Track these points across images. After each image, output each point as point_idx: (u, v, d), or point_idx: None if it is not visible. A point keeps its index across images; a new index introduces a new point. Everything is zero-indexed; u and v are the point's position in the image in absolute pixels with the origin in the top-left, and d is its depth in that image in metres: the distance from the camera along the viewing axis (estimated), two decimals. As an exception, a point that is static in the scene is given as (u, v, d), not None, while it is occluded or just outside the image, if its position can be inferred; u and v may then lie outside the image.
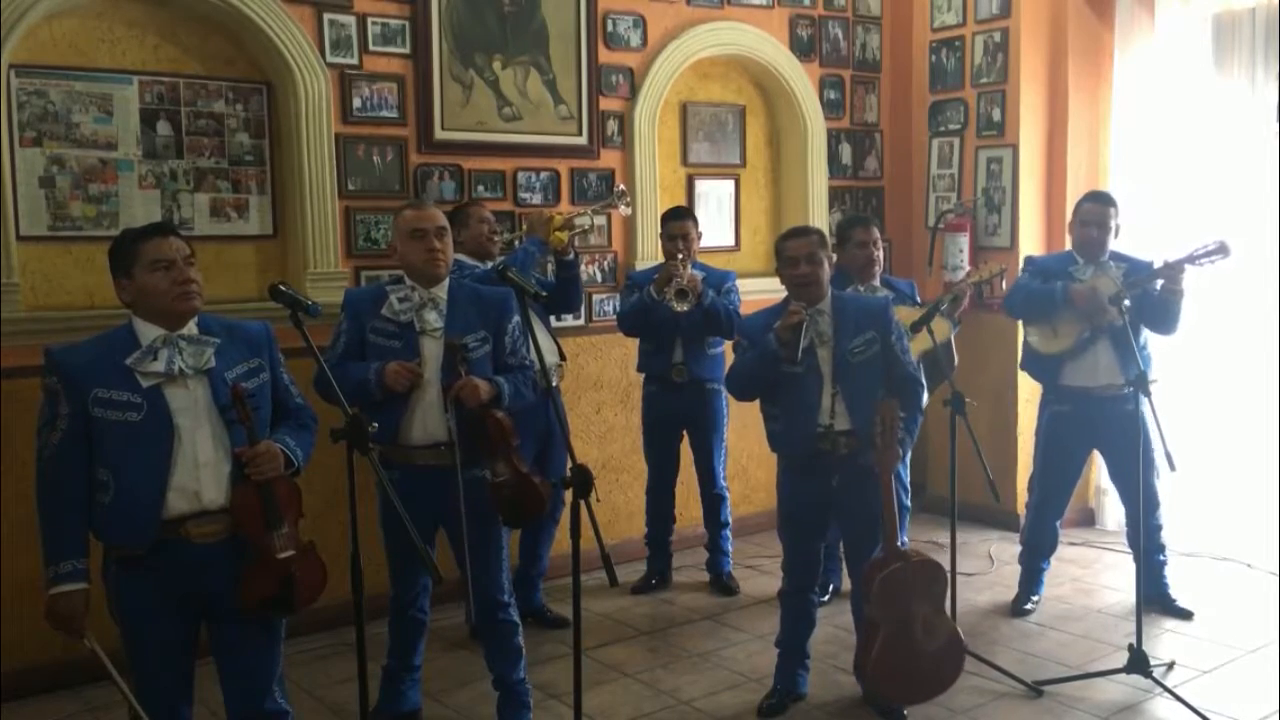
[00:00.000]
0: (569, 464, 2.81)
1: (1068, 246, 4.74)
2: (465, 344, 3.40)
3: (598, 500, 2.81)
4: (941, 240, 6.07)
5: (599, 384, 5.37)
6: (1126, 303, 4.06)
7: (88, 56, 4.13)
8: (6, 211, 3.93)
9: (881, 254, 4.70)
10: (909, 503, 4.81)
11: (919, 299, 4.88)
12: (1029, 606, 4.73)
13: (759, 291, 5.17)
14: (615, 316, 5.10)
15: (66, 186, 4.10)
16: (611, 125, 5.31)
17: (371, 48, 4.62)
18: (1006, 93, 5.79)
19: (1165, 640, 4.36)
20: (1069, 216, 5.76)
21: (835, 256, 4.73)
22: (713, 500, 5.06)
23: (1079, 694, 3.90)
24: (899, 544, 3.63)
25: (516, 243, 4.58)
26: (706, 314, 4.68)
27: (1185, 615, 4.56)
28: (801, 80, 5.89)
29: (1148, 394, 3.85)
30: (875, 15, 6.22)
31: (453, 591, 4.43)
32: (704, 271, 4.85)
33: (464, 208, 4.54)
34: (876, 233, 4.65)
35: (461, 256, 4.26)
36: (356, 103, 4.61)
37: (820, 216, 5.92)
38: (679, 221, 4.82)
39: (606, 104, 5.29)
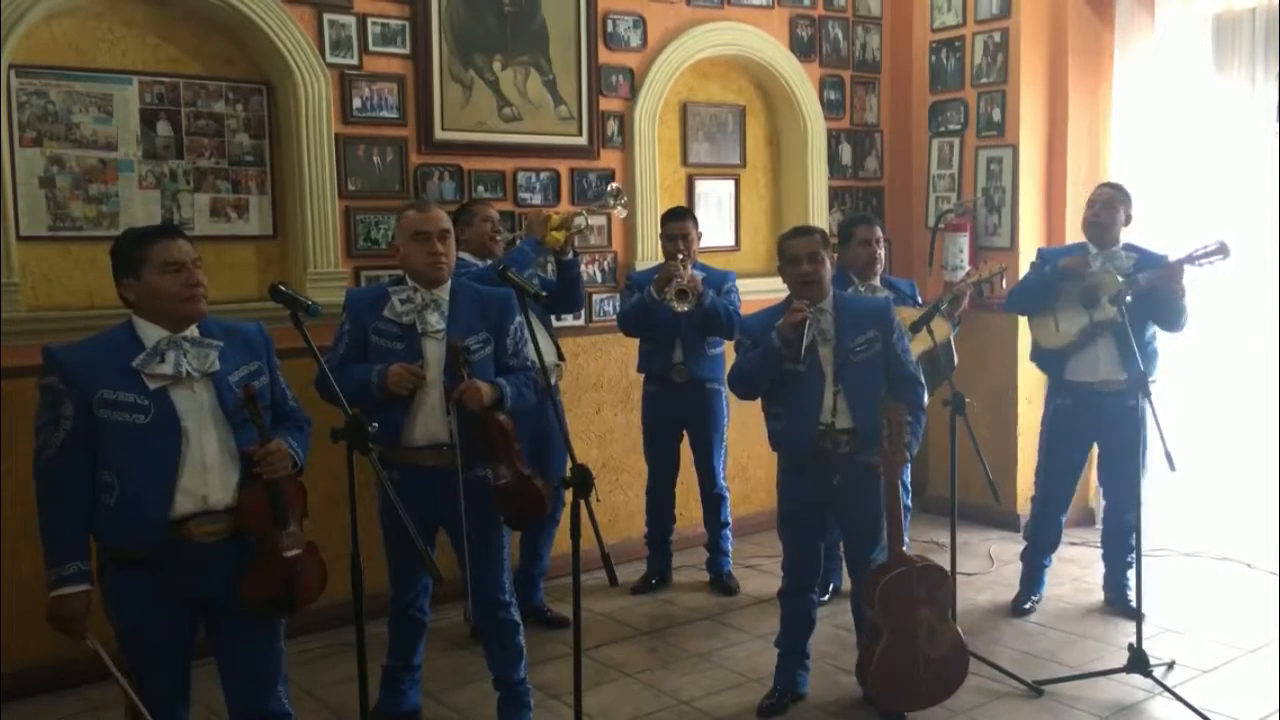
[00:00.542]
0: (568, 464, 2.81)
1: (1081, 239, 4.73)
2: (467, 346, 3.39)
3: (598, 500, 2.81)
4: (941, 240, 6.07)
5: (599, 384, 5.37)
6: (1128, 299, 4.06)
7: (88, 56, 4.13)
8: (6, 211, 3.93)
9: (883, 253, 4.70)
10: (910, 503, 4.81)
11: (919, 299, 4.88)
12: (1028, 606, 4.73)
13: (759, 291, 5.17)
14: (615, 317, 5.10)
15: (66, 186, 4.10)
16: (611, 125, 5.31)
17: (371, 48, 4.62)
18: (1006, 93, 5.79)
19: (1165, 640, 4.36)
20: (1069, 216, 5.82)
21: (837, 256, 4.75)
22: (713, 500, 5.06)
23: (1079, 694, 3.90)
24: (903, 548, 3.64)
25: (516, 242, 4.58)
26: (706, 314, 4.67)
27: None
28: (801, 80, 5.89)
29: (1147, 394, 3.86)
30: (875, 15, 6.22)
31: (453, 591, 4.43)
32: (704, 272, 4.85)
33: (468, 206, 4.56)
34: (879, 232, 4.66)
35: (464, 255, 4.27)
36: (356, 103, 4.61)
37: (820, 217, 5.91)
38: (679, 221, 4.82)
39: (606, 104, 5.29)
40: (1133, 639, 3.90)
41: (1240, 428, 5.34)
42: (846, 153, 6.19)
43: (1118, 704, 3.82)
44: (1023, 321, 5.71)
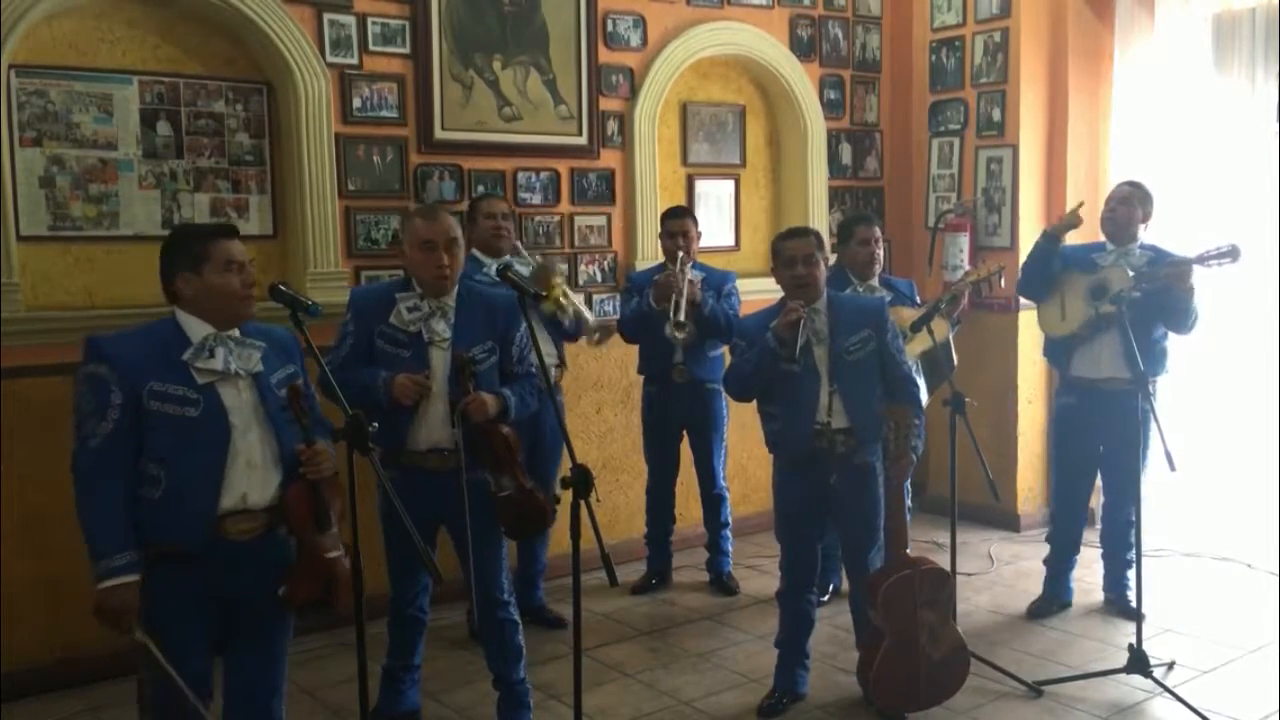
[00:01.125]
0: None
1: (1100, 237, 4.73)
2: (473, 358, 3.39)
3: (598, 500, 2.81)
4: (941, 240, 6.07)
5: (599, 384, 5.37)
6: (1135, 294, 4.07)
7: (88, 56, 4.13)
8: (6, 211, 3.93)
9: (882, 253, 4.70)
10: (910, 503, 4.80)
11: (918, 299, 4.89)
12: (1049, 610, 4.69)
13: (759, 291, 5.16)
14: (615, 317, 5.10)
15: (66, 186, 4.10)
16: (611, 125, 5.31)
17: (371, 48, 4.62)
18: (1006, 93, 5.79)
19: (1165, 640, 4.36)
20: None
21: (834, 255, 4.76)
22: (713, 500, 5.06)
23: (1079, 694, 3.90)
24: (906, 550, 3.64)
25: (520, 248, 4.59)
26: (706, 321, 4.68)
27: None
28: (801, 80, 5.89)
29: (1146, 395, 3.86)
30: (875, 15, 6.22)
31: (453, 591, 4.43)
32: (704, 272, 4.86)
33: (474, 203, 4.57)
34: (878, 231, 4.66)
35: (475, 252, 4.33)
36: (356, 103, 4.60)
37: (820, 216, 5.92)
38: (678, 219, 4.82)
39: (606, 104, 5.29)
40: (1133, 639, 3.90)
41: (1241, 428, 5.34)
42: (846, 152, 6.19)
43: (1118, 704, 3.82)
44: (1024, 321, 5.73)
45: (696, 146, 5.75)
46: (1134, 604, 4.14)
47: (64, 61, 4.08)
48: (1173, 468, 3.79)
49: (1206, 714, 3.66)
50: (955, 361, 4.70)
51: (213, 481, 2.63)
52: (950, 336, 4.64)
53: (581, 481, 2.70)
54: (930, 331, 4.21)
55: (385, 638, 3.69)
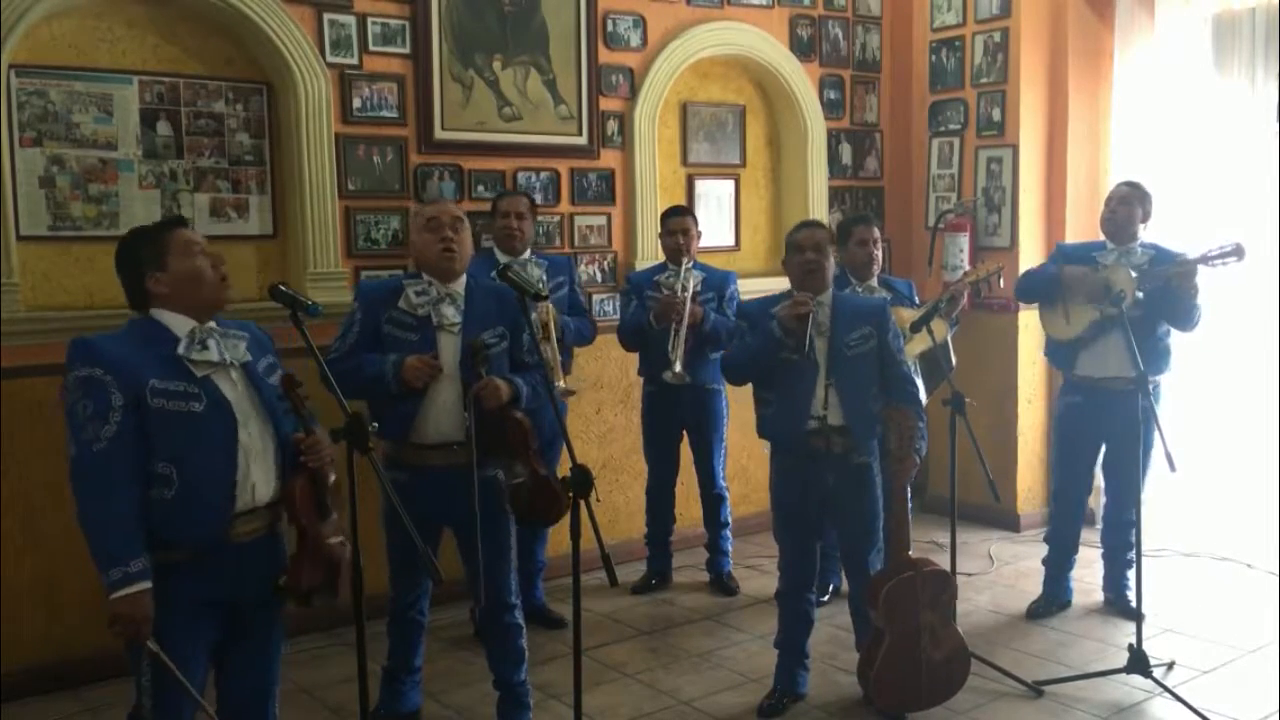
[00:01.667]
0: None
1: (1098, 237, 4.73)
2: (485, 342, 3.38)
3: (598, 500, 2.81)
4: (941, 240, 6.07)
5: (599, 384, 5.37)
6: (1127, 301, 4.06)
7: (88, 56, 4.13)
8: (6, 211, 3.93)
9: (881, 253, 4.70)
10: (910, 503, 4.80)
11: (917, 299, 4.89)
12: (1048, 611, 4.70)
13: (759, 291, 5.11)
14: (615, 317, 5.10)
15: (66, 186, 4.10)
16: (611, 125, 5.31)
17: (371, 48, 4.62)
18: (1006, 93, 5.79)
19: (1165, 640, 4.36)
20: (1069, 216, 5.82)
21: (837, 256, 4.75)
22: (713, 500, 5.06)
23: (1079, 694, 3.90)
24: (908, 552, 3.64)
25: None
26: (707, 337, 4.70)
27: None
28: (801, 80, 5.89)
29: (1146, 395, 3.86)
30: (875, 15, 6.22)
31: (454, 592, 4.43)
32: (704, 272, 4.86)
33: (496, 200, 4.62)
34: (877, 231, 4.66)
35: (496, 250, 4.40)
36: (356, 103, 4.60)
37: (820, 217, 5.90)
38: (679, 218, 4.84)
39: (606, 104, 5.29)
40: (1133, 639, 3.90)
41: (1241, 428, 5.33)
42: (846, 152, 6.19)
43: (1118, 704, 3.82)
44: (1024, 321, 5.74)
45: (696, 146, 5.75)
46: (1134, 604, 4.13)
47: (64, 61, 4.07)
48: (1173, 468, 3.79)
49: (1206, 714, 3.66)
50: (954, 361, 4.70)
51: (227, 475, 2.60)
52: (949, 337, 4.64)
53: (581, 481, 2.70)
54: (930, 331, 4.21)
55: (385, 638, 3.69)
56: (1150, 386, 4.07)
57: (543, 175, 5.13)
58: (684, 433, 5.03)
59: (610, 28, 5.26)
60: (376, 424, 3.30)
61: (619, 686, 4.07)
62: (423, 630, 3.71)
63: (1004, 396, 5.88)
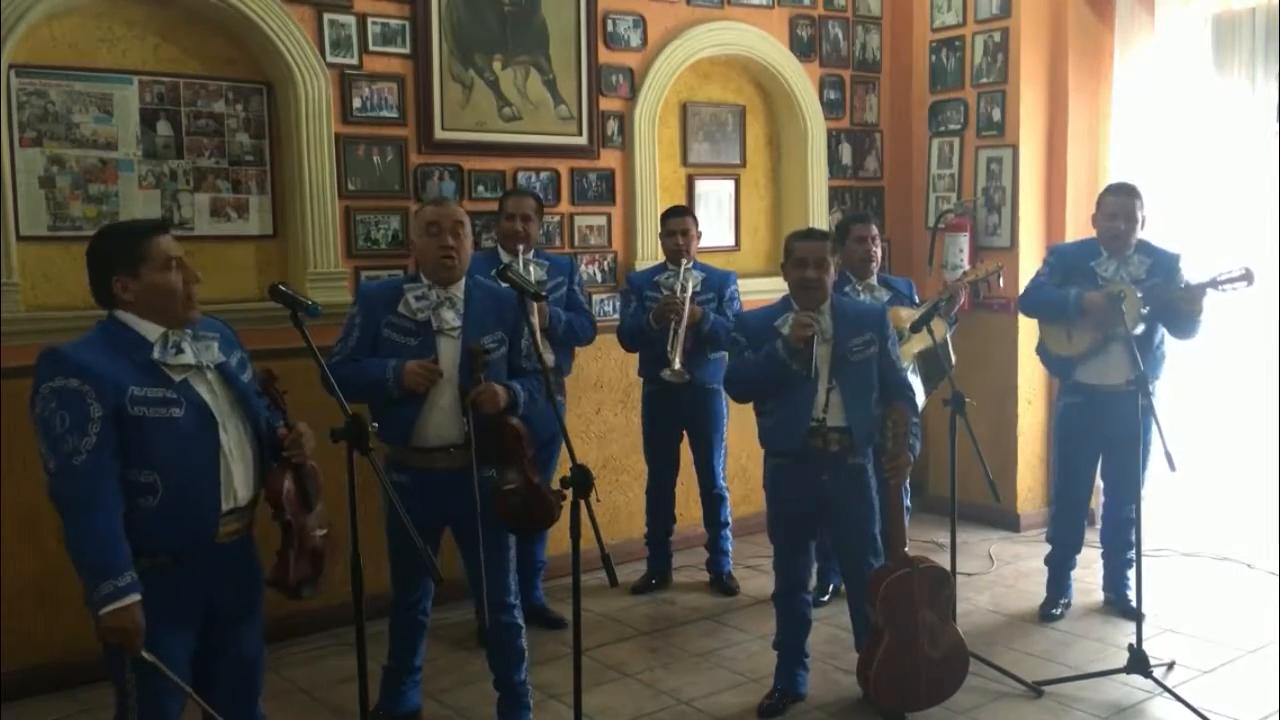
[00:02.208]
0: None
1: (1087, 235, 4.70)
2: (485, 347, 3.39)
3: (598, 500, 2.81)
4: (941, 240, 6.07)
5: (599, 384, 5.37)
6: (1136, 330, 4.07)
7: (88, 56, 4.12)
8: (6, 211, 3.93)
9: (879, 252, 4.70)
10: (910, 503, 4.80)
11: (916, 298, 4.88)
12: (1057, 611, 4.69)
13: (759, 291, 5.18)
14: (615, 317, 5.10)
15: (66, 186, 4.10)
16: (611, 125, 5.31)
17: (371, 48, 4.62)
18: (1006, 93, 5.79)
19: (1165, 640, 4.36)
20: (1069, 216, 5.82)
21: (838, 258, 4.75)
22: (713, 500, 5.06)
23: (1079, 694, 3.90)
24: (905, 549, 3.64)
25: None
26: (707, 338, 4.70)
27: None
28: (801, 80, 5.89)
29: (1146, 396, 3.86)
30: (875, 15, 6.22)
31: (454, 592, 4.43)
32: (704, 273, 4.86)
33: (502, 198, 4.62)
34: (875, 230, 4.66)
35: (500, 249, 4.42)
36: (356, 103, 4.60)
37: (820, 216, 5.91)
38: (679, 218, 4.84)
39: (606, 104, 5.29)
40: (1133, 639, 3.90)
41: (1241, 428, 5.33)
42: (846, 152, 6.19)
43: (1118, 704, 3.82)
44: (1024, 321, 5.72)
45: (696, 146, 5.75)
46: (1134, 604, 4.13)
47: (64, 61, 4.07)
48: (1173, 468, 3.79)
49: (1206, 714, 3.66)
50: (954, 360, 4.69)
51: (213, 479, 2.59)
52: (948, 336, 4.63)
53: (581, 481, 2.70)
54: (930, 331, 4.21)
55: (385, 638, 3.69)
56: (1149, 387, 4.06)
57: (543, 175, 5.12)
58: (684, 433, 5.03)
59: (610, 28, 5.26)
60: (376, 424, 3.31)
61: (619, 686, 4.07)
62: (424, 631, 3.71)
63: (1004, 396, 5.88)
